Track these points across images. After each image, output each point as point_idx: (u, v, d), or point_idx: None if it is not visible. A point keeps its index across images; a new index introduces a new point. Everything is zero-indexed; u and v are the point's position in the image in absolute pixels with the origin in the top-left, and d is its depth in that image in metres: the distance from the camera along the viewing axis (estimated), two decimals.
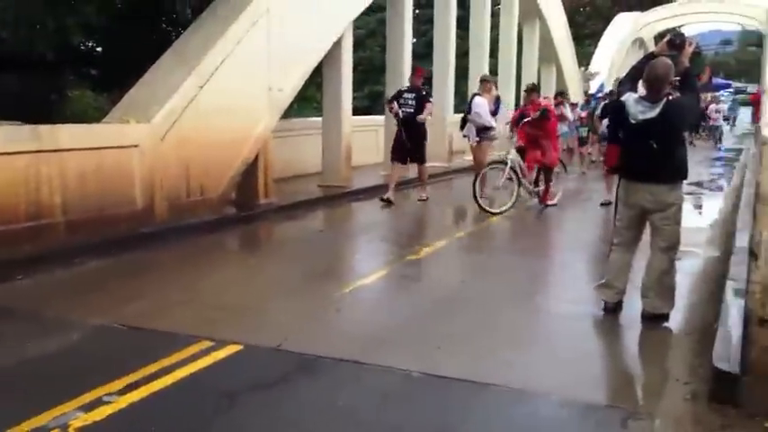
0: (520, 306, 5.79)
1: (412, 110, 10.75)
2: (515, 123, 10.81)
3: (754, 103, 25.71)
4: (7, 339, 4.83)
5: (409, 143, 10.82)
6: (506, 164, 10.03)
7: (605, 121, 10.51)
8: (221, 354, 4.50)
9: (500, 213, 9.81)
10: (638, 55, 26.15)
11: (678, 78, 5.20)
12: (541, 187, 10.59)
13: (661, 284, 5.14)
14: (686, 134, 6.71)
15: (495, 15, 19.62)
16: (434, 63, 16.29)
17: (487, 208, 9.80)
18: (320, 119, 12.86)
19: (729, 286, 4.97)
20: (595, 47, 29.87)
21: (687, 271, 6.42)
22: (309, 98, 19.72)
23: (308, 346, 4.64)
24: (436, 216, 10.60)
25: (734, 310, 4.43)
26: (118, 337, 4.91)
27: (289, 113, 12.70)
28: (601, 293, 5.45)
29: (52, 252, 6.96)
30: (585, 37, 34.97)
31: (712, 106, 24.92)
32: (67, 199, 7.48)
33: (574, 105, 18.49)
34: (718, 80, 48.18)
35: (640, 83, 5.25)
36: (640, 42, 32.33)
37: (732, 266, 5.43)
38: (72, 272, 6.70)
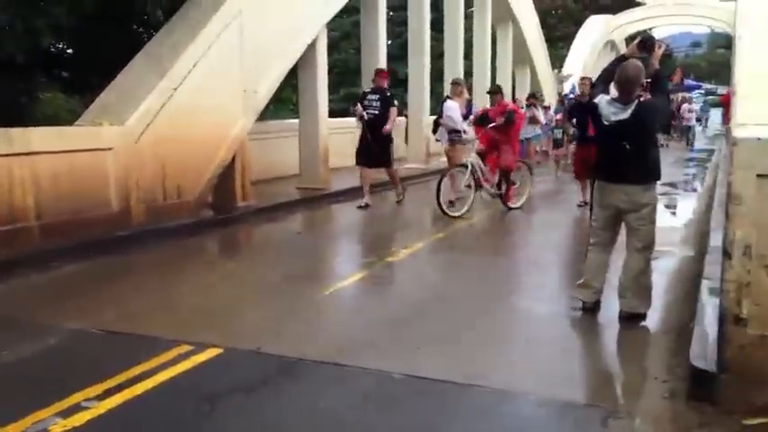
0: (498, 307, 5.83)
1: (377, 111, 10.52)
2: (476, 122, 10.76)
3: (725, 104, 26.15)
4: None
5: (375, 146, 10.56)
6: (467, 167, 9.92)
7: (573, 121, 10.79)
8: (201, 357, 4.47)
9: (459, 217, 9.66)
10: (610, 57, 26.47)
11: (649, 80, 5.28)
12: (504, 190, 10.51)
13: (638, 284, 5.21)
14: (659, 136, 6.82)
15: (468, 18, 19.76)
16: (409, 65, 16.37)
17: (447, 211, 9.64)
18: (297, 121, 12.84)
19: (705, 285, 5.06)
20: (568, 49, 30.18)
21: (663, 270, 6.51)
22: (285, 100, 19.66)
23: (288, 348, 4.63)
24: (414, 218, 10.62)
25: (709, 308, 4.50)
26: (96, 341, 4.86)
27: (265, 115, 12.66)
28: (579, 293, 5.51)
29: (27, 256, 6.88)
30: (558, 39, 35.31)
31: (685, 106, 25.21)
32: (41, 202, 7.38)
33: (546, 108, 18.66)
34: (689, 81, 48.97)
35: (612, 85, 5.31)
36: (612, 45, 32.73)
37: (707, 266, 5.52)
38: (48, 276, 6.62)
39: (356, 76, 14.98)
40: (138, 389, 3.99)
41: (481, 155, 10.25)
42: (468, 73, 19.99)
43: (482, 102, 17.46)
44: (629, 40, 27.46)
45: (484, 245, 8.90)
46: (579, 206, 10.56)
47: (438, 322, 5.31)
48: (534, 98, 17.48)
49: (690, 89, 42.07)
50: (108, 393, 3.90)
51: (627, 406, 3.92)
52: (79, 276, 6.71)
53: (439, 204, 9.61)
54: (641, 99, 5.12)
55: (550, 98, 23.22)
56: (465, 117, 11.43)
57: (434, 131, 11.43)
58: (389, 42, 19.16)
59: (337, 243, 9.22)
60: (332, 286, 6.33)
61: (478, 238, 9.37)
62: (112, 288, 6.24)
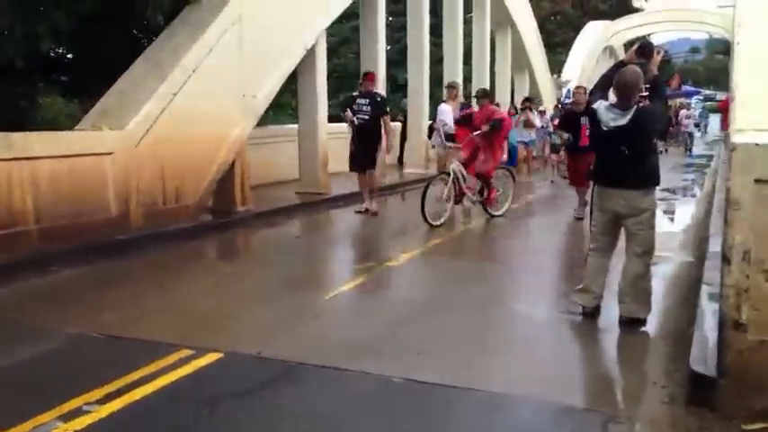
0: (497, 311, 5.84)
1: (367, 116, 10.27)
2: (459, 122, 10.52)
3: (723, 110, 26.20)
4: None
5: (360, 151, 10.37)
6: (450, 175, 9.67)
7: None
8: (201, 362, 4.47)
9: (439, 226, 9.31)
10: (609, 62, 26.54)
11: (647, 86, 5.30)
12: (491, 206, 10.28)
13: (637, 289, 5.22)
14: (658, 142, 6.84)
15: (467, 23, 19.81)
16: (409, 70, 16.40)
17: (430, 220, 9.24)
18: (296, 126, 12.86)
19: (704, 290, 5.07)
20: (567, 55, 30.26)
21: (662, 275, 6.54)
22: (285, 105, 19.68)
23: (288, 352, 4.63)
24: (412, 223, 10.59)
25: (709, 314, 4.52)
26: (96, 345, 4.86)
27: (265, 120, 12.67)
28: (578, 298, 5.52)
29: (27, 260, 6.87)
30: (557, 45, 35.38)
31: (683, 112, 25.18)
32: (41, 206, 7.39)
33: (542, 113, 18.65)
34: (687, 87, 49.08)
35: (611, 90, 5.34)
36: (610, 50, 32.80)
37: (706, 271, 5.54)
38: (47, 280, 6.62)
39: (355, 80, 14.98)
40: (139, 393, 3.99)
41: (464, 162, 9.98)
42: (468, 78, 20.04)
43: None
44: (628, 45, 27.51)
45: (482, 250, 8.92)
46: (578, 219, 10.25)
47: (437, 326, 5.31)
48: (530, 102, 17.47)
49: (688, 95, 42.22)
50: (109, 398, 3.90)
51: (626, 411, 3.93)
52: (79, 280, 6.71)
53: (423, 214, 9.17)
54: (640, 105, 5.15)
55: (549, 103, 23.26)
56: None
57: (429, 136, 11.33)
58: (389, 48, 19.22)
59: (337, 248, 9.23)
60: (332, 291, 6.33)
61: (477, 244, 9.40)
62: (112, 292, 6.23)
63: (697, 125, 32.43)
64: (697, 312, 4.72)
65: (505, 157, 12.60)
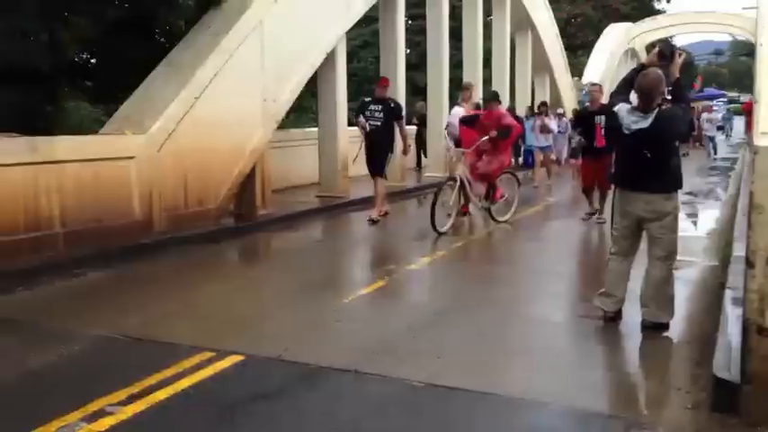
0: (518, 315, 5.82)
1: (379, 123, 9.98)
2: (464, 122, 10.20)
3: (747, 112, 25.90)
4: (9, 351, 4.84)
5: (371, 156, 10.15)
6: (456, 180, 9.42)
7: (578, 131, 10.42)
8: (223, 364, 4.51)
9: (445, 233, 9.03)
10: (630, 65, 26.33)
11: (669, 89, 5.26)
12: (494, 205, 10.02)
13: (660, 293, 5.17)
14: (680, 145, 6.76)
15: (487, 26, 19.75)
16: (428, 74, 16.38)
17: (438, 227, 8.95)
18: (317, 129, 12.91)
19: (728, 295, 5.01)
20: (588, 57, 30.05)
21: (686, 280, 6.48)
22: (306, 108, 19.76)
23: (308, 356, 4.65)
24: (430, 227, 10.59)
25: (733, 318, 4.46)
26: (119, 347, 4.92)
27: (285, 124, 12.74)
28: (600, 302, 5.48)
29: (52, 263, 6.97)
30: (578, 47, 35.17)
31: (704, 115, 24.80)
32: (66, 210, 7.49)
33: (561, 116, 18.47)
34: (711, 90, 48.56)
35: (633, 93, 5.30)
36: (632, 53, 32.53)
37: (730, 275, 5.47)
38: (72, 283, 6.71)
39: (375, 84, 15.01)
40: (161, 395, 4.03)
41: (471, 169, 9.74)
42: (488, 81, 19.97)
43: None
44: (650, 48, 27.31)
45: (502, 254, 8.89)
46: (584, 219, 10.20)
47: (457, 330, 5.31)
48: (546, 107, 17.36)
49: (712, 97, 41.75)
50: (131, 399, 3.95)
51: (650, 417, 3.88)
52: (103, 283, 6.80)
53: (432, 220, 8.89)
54: (662, 107, 5.11)
55: (571, 106, 23.10)
56: None
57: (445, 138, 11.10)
58: (408, 51, 19.23)
59: (356, 251, 9.25)
60: (352, 294, 6.35)
61: (496, 247, 9.36)
62: (135, 295, 6.30)
63: (721, 128, 32.06)
64: (721, 317, 4.66)
65: (512, 161, 12.46)
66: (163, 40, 12.75)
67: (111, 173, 8.07)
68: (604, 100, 9.49)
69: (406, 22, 16.37)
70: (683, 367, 4.54)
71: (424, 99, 17.18)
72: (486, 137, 9.43)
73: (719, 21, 36.11)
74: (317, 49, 11.42)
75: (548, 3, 23.84)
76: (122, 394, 3.99)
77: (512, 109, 17.77)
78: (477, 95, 13.65)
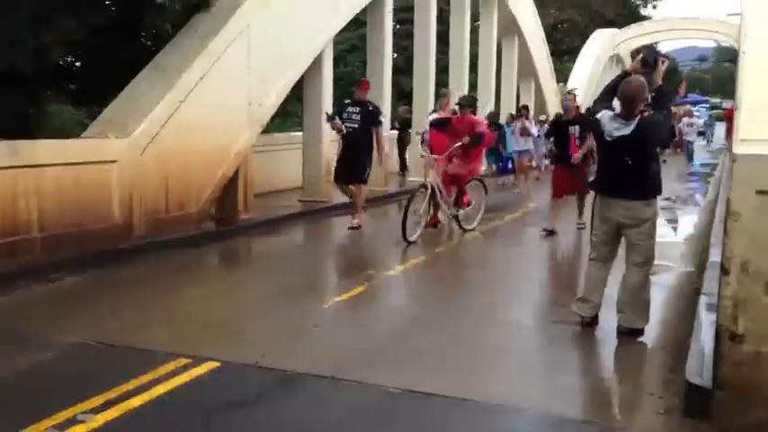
0: (495, 321, 5.84)
1: (356, 125, 9.77)
2: (434, 125, 9.89)
3: (728, 118, 26.12)
4: None
5: (349, 161, 9.90)
6: (427, 187, 9.13)
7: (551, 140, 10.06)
8: (199, 371, 4.49)
9: (414, 242, 8.79)
10: (616, 71, 26.49)
11: (652, 95, 5.31)
12: (461, 210, 9.78)
13: (636, 299, 5.21)
14: (662, 151, 6.84)
15: (474, 31, 19.83)
16: (414, 78, 16.42)
17: (408, 236, 8.68)
18: (301, 134, 12.89)
19: (703, 301, 5.06)
20: (573, 63, 30.22)
21: (662, 285, 6.53)
22: (291, 112, 19.73)
23: (286, 362, 4.64)
24: None
25: (707, 324, 4.50)
26: (95, 354, 4.88)
27: (270, 128, 12.71)
28: (577, 308, 5.51)
29: (30, 268, 6.90)
30: (563, 53, 35.40)
31: (685, 120, 24.79)
32: (45, 214, 7.42)
33: (542, 122, 18.47)
34: (694, 96, 49.00)
35: (615, 100, 5.34)
36: (617, 59, 32.77)
37: (706, 281, 5.53)
38: (49, 288, 6.65)
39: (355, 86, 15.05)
40: (135, 402, 4.00)
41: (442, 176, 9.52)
42: (474, 86, 20.05)
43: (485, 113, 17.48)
44: (635, 53, 27.52)
45: (480, 259, 8.89)
46: (543, 235, 9.75)
47: (435, 336, 5.31)
48: (526, 110, 17.38)
49: (695, 103, 42.09)
50: (105, 406, 3.91)
51: (623, 422, 3.92)
52: (80, 289, 6.75)
53: (403, 229, 8.64)
54: (644, 114, 5.15)
55: (556, 111, 23.20)
56: None
57: (422, 143, 10.27)
58: (395, 56, 19.25)
59: (337, 256, 9.24)
60: (331, 300, 6.35)
61: (474, 253, 9.33)
62: (113, 300, 6.26)
63: (702, 133, 32.29)
64: (695, 323, 4.70)
65: (484, 168, 12.23)
66: (149, 43, 12.71)
67: (91, 177, 8.01)
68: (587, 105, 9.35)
69: (394, 26, 16.38)
70: (656, 372, 4.59)
71: (410, 103, 17.21)
72: (459, 143, 9.25)
73: (704, 27, 36.49)
74: (304, 54, 11.41)
75: (535, 8, 24.00)
76: (96, 401, 3.96)
77: (494, 114, 17.74)
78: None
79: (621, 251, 5.38)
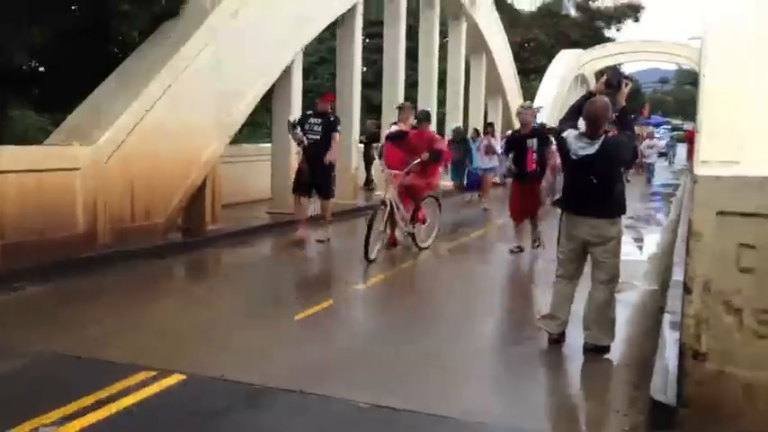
0: (464, 336, 5.85)
1: (318, 136, 9.60)
2: (390, 138, 9.60)
3: (689, 140, 26.73)
4: None
5: (314, 173, 9.68)
6: (386, 204, 8.85)
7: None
8: (164, 383, 4.42)
9: (374, 260, 8.52)
10: (581, 91, 26.98)
11: (616, 116, 5.42)
12: (417, 228, 9.50)
13: (602, 316, 5.29)
14: (625, 171, 6.95)
15: (443, 48, 20.03)
16: (384, 92, 16.50)
17: (369, 254, 8.43)
18: (270, 145, 12.84)
19: (667, 319, 5.15)
20: (540, 81, 30.70)
21: (627, 303, 6.62)
22: (260, 123, 19.65)
23: (253, 375, 4.59)
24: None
25: (671, 342, 4.58)
26: (57, 365, 4.77)
27: (239, 138, 12.64)
28: (544, 324, 5.56)
29: None
30: (530, 72, 35.92)
31: (646, 142, 25.17)
32: (6, 222, 7.26)
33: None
34: (657, 117, 50.10)
35: (581, 120, 5.44)
36: (582, 78, 33.37)
37: (669, 300, 5.63)
38: (10, 297, 6.50)
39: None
40: (99, 414, 3.92)
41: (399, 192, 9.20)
42: (442, 102, 20.22)
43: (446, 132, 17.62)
44: (599, 74, 28.07)
45: (448, 275, 8.86)
46: (512, 252, 9.52)
47: (403, 351, 5.30)
48: (491, 127, 17.51)
49: (657, 125, 43.02)
50: (67, 419, 3.83)
51: None
52: (42, 298, 6.60)
53: (366, 248, 8.39)
54: (608, 134, 5.25)
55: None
56: None
57: (380, 157, 9.96)
58: (365, 69, 19.31)
59: (304, 270, 9.17)
60: (299, 313, 6.30)
61: (443, 269, 9.32)
62: (76, 311, 6.14)
63: (664, 154, 32.93)
64: (659, 341, 4.79)
65: (446, 184, 11.99)
66: (116, 50, 12.57)
67: (55, 184, 7.86)
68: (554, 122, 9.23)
69: (364, 40, 16.46)
70: (621, 390, 4.65)
71: (379, 117, 17.27)
72: (418, 159, 8.99)
73: (666, 50, 37.44)
74: (274, 65, 11.39)
75: (502, 27, 24.34)
76: (58, 414, 3.87)
77: (460, 130, 17.83)
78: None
79: (588, 269, 5.45)
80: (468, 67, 22.07)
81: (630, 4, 46.70)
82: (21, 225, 7.38)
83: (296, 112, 12.24)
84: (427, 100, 18.05)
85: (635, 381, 4.69)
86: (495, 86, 24.01)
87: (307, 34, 12.35)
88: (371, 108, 23.11)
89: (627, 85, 5.59)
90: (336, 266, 9.27)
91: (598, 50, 36.41)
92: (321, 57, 29.57)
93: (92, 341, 5.25)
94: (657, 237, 11.85)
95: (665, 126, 48.14)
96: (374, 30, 23.09)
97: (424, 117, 9.94)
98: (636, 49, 38.01)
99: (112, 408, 4.02)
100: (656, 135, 30.08)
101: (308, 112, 10.19)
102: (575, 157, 5.24)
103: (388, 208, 8.87)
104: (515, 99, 25.67)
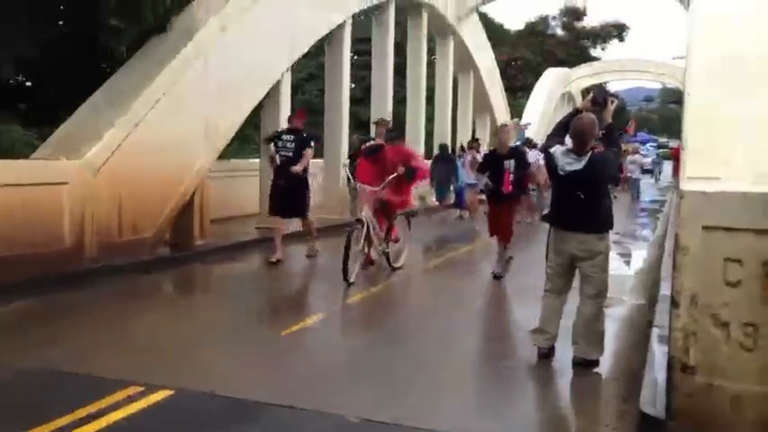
0: (454, 351, 5.86)
1: (291, 154, 9.30)
2: (366, 153, 9.26)
3: (675, 157, 26.98)
4: None
5: (288, 193, 9.39)
6: (363, 223, 8.48)
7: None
8: (152, 399, 4.38)
9: (353, 283, 8.07)
10: (567, 108, 27.24)
11: (603, 132, 5.48)
12: (390, 247, 9.16)
13: (590, 331, 5.31)
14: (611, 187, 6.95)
15: (431, 65, 20.18)
16: (372, 108, 16.58)
17: (349, 276, 8.01)
18: (258, 160, 12.84)
19: (655, 333, 5.19)
20: (527, 99, 30.96)
21: (615, 318, 6.66)
22: (249, 139, 19.65)
23: (242, 390, 4.56)
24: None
25: (659, 356, 4.61)
26: (43, 381, 4.71)
27: (227, 153, 12.64)
28: (533, 339, 5.58)
29: None
30: (517, 89, 36.24)
31: (629, 157, 25.22)
32: None
33: None
34: (642, 135, 50.56)
35: (567, 136, 5.49)
36: (569, 96, 33.71)
37: (657, 314, 5.67)
38: None
39: (319, 116, 15.10)
40: (87, 429, 3.88)
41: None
42: (430, 119, 20.33)
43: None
44: (585, 92, 28.38)
45: (437, 290, 8.86)
46: (495, 277, 8.98)
47: (393, 366, 5.30)
48: (477, 142, 17.56)
49: (643, 142, 43.42)
50: None
51: None
52: (27, 313, 6.54)
53: (344, 269, 7.96)
54: (595, 151, 5.31)
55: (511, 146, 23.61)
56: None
57: (352, 175, 9.49)
58: (353, 86, 19.42)
59: (293, 284, 9.16)
60: (288, 328, 6.27)
61: (431, 284, 9.32)
62: (61, 326, 6.09)
63: (650, 171, 33.22)
64: (648, 355, 4.81)
65: (417, 202, 11.58)
66: (104, 65, 12.57)
67: (41, 198, 7.82)
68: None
69: (352, 57, 16.58)
70: (611, 403, 4.66)
71: (368, 133, 17.30)
72: (395, 173, 8.64)
73: (651, 69, 37.93)
74: (262, 81, 11.44)
75: (489, 45, 24.58)
76: (44, 429, 3.83)
77: (445, 146, 17.83)
78: None
79: (577, 283, 5.48)
80: (455, 85, 22.24)
81: (615, 23, 47.33)
82: (6, 239, 7.31)
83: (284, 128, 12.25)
84: (415, 116, 18.15)
85: (624, 394, 4.71)
86: (482, 103, 24.20)
87: (295, 51, 12.42)
88: (360, 124, 23.16)
89: (613, 102, 5.67)
90: (323, 282, 9.21)
91: (584, 69, 36.85)
92: (310, 73, 29.64)
93: (79, 356, 5.20)
94: (645, 252, 11.93)
95: (651, 144, 48.58)
96: (362, 47, 23.23)
97: (396, 135, 9.52)
98: (621, 68, 38.50)
99: (102, 422, 3.98)
100: (641, 151, 30.29)
101: (281, 130, 9.97)
102: (562, 173, 5.29)
103: (365, 227, 8.51)
104: (503, 116, 25.89)
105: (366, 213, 8.58)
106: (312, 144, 9.66)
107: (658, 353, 4.71)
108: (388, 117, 16.34)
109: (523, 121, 26.60)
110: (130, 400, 4.33)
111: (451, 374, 5.29)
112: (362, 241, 8.44)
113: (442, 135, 19.91)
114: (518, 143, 11.31)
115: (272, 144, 9.52)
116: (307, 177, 9.58)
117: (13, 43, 10.08)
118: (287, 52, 12.11)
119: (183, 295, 8.49)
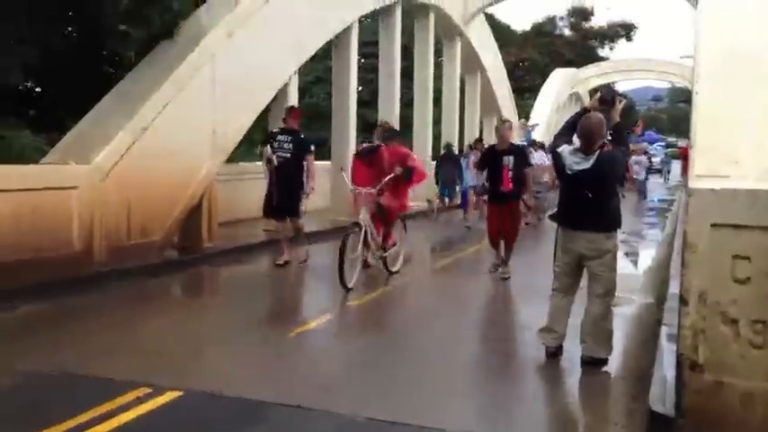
0: (460, 351, 5.85)
1: (288, 155, 9.14)
2: (363, 155, 9.06)
3: (683, 156, 26.87)
4: None
5: (282, 193, 9.22)
6: (361, 227, 8.23)
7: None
8: (160, 400, 4.39)
9: (352, 289, 7.85)
10: (575, 108, 27.15)
11: (611, 132, 5.47)
12: (388, 251, 8.92)
13: (598, 329, 5.29)
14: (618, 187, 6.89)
15: (438, 67, 20.20)
16: (379, 111, 16.61)
17: (346, 281, 7.77)
18: None
19: (664, 331, 5.17)
20: (534, 100, 30.93)
21: (624, 316, 6.63)
22: (256, 142, 19.71)
23: (250, 391, 4.57)
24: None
25: (668, 354, 4.59)
26: (52, 383, 4.74)
27: (235, 156, 12.68)
28: (541, 338, 5.56)
29: None
30: (525, 90, 36.22)
31: (633, 158, 25.03)
32: (1, 241, 7.23)
33: None
34: (651, 134, 50.39)
35: (575, 137, 5.48)
36: (576, 96, 33.66)
37: (666, 312, 5.65)
38: (6, 316, 6.46)
39: (327, 120, 15.15)
40: (98, 430, 3.89)
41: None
42: (437, 121, 20.35)
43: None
44: (593, 92, 28.29)
45: (443, 291, 8.84)
46: (491, 272, 9.07)
47: (400, 366, 5.30)
48: (480, 143, 17.54)
49: (652, 141, 43.27)
50: None
51: None
52: (38, 317, 6.57)
53: (341, 275, 7.72)
54: (603, 150, 5.29)
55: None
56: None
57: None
58: (360, 89, 19.48)
59: (300, 287, 9.16)
60: (295, 329, 6.29)
61: (436, 285, 9.30)
62: (71, 329, 6.11)
63: (659, 170, 33.09)
64: (656, 353, 4.79)
65: (412, 205, 11.45)
66: (111, 70, 12.64)
67: (51, 203, 7.86)
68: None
69: (359, 60, 16.62)
70: (620, 402, 4.65)
71: (371, 137, 17.32)
72: (392, 174, 8.46)
73: (659, 68, 37.85)
74: (269, 84, 11.48)
75: (496, 46, 24.58)
76: (56, 430, 3.85)
77: (449, 145, 17.77)
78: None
79: (585, 282, 5.46)
80: (462, 86, 22.25)
81: (623, 23, 47.25)
82: (16, 244, 7.36)
83: None
84: (423, 118, 18.17)
85: (633, 392, 4.69)
86: (490, 105, 24.20)
87: (302, 54, 12.45)
88: (367, 127, 23.23)
89: (621, 101, 5.65)
90: (330, 283, 9.19)
91: (592, 69, 36.79)
92: (317, 76, 29.72)
93: (87, 359, 5.22)
94: (653, 251, 11.88)
95: (659, 143, 48.43)
96: (370, 50, 23.28)
97: (391, 136, 9.23)
98: (629, 68, 38.42)
99: (113, 423, 4.00)
100: (650, 151, 30.14)
101: (276, 130, 9.73)
102: (570, 172, 5.27)
103: (363, 232, 8.24)
104: (511, 117, 25.83)
105: (363, 217, 8.34)
106: (312, 148, 9.48)
107: (667, 351, 4.69)
108: (396, 120, 16.39)
109: (531, 122, 26.59)
110: (139, 401, 4.35)
111: (459, 374, 5.28)
112: (361, 246, 8.20)
113: (450, 137, 19.91)
114: (524, 142, 11.21)
115: (268, 145, 9.30)
116: (302, 179, 9.36)
117: (22, 50, 10.16)
118: (294, 55, 12.16)
119: (191, 298, 8.52)
